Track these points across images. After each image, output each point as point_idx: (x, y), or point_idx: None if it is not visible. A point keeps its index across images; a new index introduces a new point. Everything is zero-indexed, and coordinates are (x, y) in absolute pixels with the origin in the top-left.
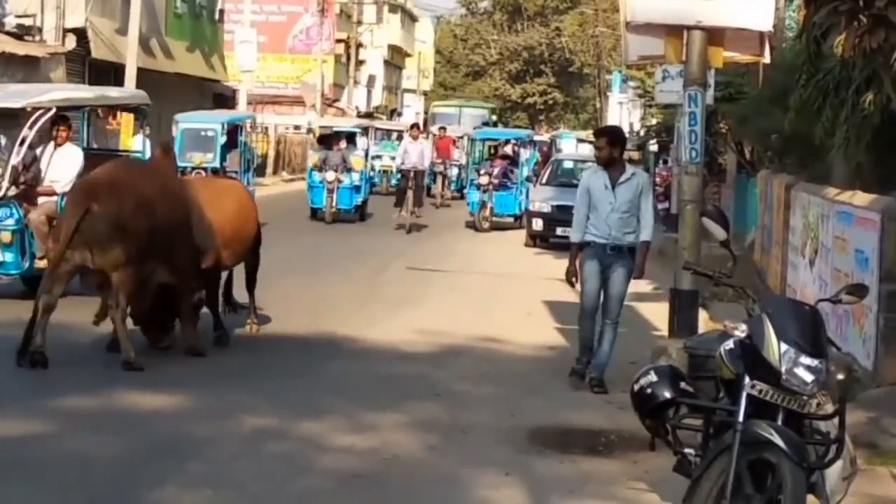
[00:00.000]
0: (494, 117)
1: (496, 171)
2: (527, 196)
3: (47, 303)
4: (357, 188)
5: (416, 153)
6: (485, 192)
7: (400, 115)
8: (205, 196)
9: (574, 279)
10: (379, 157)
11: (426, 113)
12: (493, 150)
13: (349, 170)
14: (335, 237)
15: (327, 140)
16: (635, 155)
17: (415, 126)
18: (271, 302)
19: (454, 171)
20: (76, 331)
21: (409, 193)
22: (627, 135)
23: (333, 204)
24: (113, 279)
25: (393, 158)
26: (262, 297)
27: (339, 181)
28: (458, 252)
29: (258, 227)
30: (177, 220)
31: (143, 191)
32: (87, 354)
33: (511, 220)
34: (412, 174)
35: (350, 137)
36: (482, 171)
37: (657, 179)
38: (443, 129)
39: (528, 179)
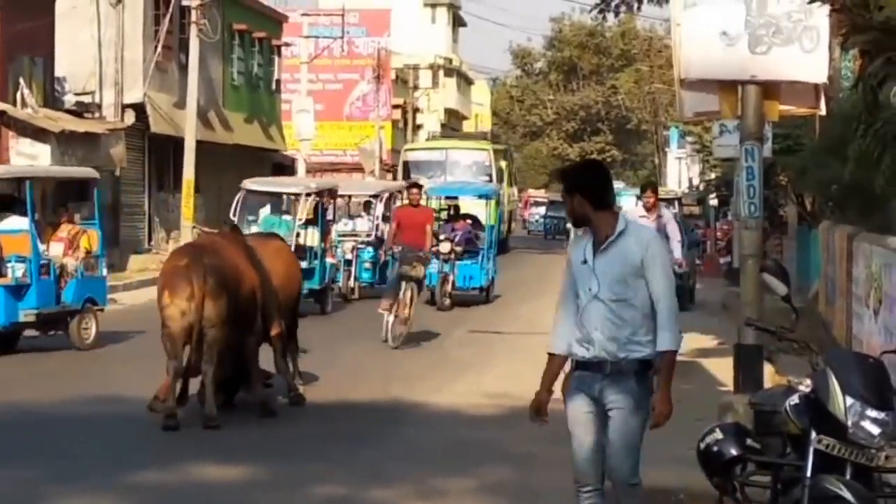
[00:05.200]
0: (504, 163)
1: (458, 235)
2: (494, 266)
3: (176, 367)
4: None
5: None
6: (445, 261)
7: None
8: (262, 257)
9: (542, 414)
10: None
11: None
12: (452, 210)
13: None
14: None
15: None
16: (696, 210)
17: (415, 186)
18: (337, 370)
19: (434, 268)
20: (140, 402)
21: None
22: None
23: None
24: (209, 336)
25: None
26: (327, 366)
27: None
28: (521, 316)
29: (299, 291)
30: (254, 286)
31: (234, 255)
32: (155, 427)
33: (477, 293)
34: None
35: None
36: (442, 237)
37: (718, 234)
38: (415, 186)
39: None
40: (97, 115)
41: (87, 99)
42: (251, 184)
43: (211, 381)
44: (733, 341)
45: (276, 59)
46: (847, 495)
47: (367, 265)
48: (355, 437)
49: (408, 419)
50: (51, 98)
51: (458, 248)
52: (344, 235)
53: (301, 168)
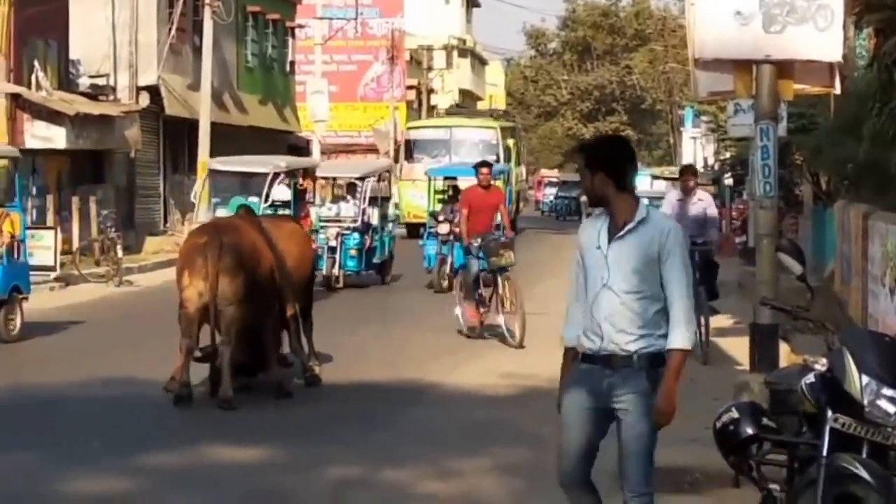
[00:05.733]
0: (511, 141)
1: (458, 217)
2: None
3: (189, 345)
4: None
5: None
6: (444, 243)
7: None
8: (276, 240)
9: None
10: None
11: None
12: (451, 191)
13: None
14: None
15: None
16: (711, 189)
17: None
18: (350, 351)
19: (433, 250)
20: (156, 384)
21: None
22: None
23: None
24: (226, 314)
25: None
26: (343, 347)
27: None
28: (535, 296)
29: (313, 271)
30: (272, 266)
31: (253, 236)
32: (169, 409)
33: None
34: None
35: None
36: (441, 218)
37: (734, 213)
38: (485, 165)
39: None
40: (112, 97)
41: (101, 81)
42: (216, 163)
43: (228, 362)
44: (749, 320)
45: (290, 40)
46: (863, 474)
47: (353, 252)
48: (369, 417)
49: (421, 400)
50: (65, 81)
51: (458, 230)
52: (327, 221)
53: (316, 149)
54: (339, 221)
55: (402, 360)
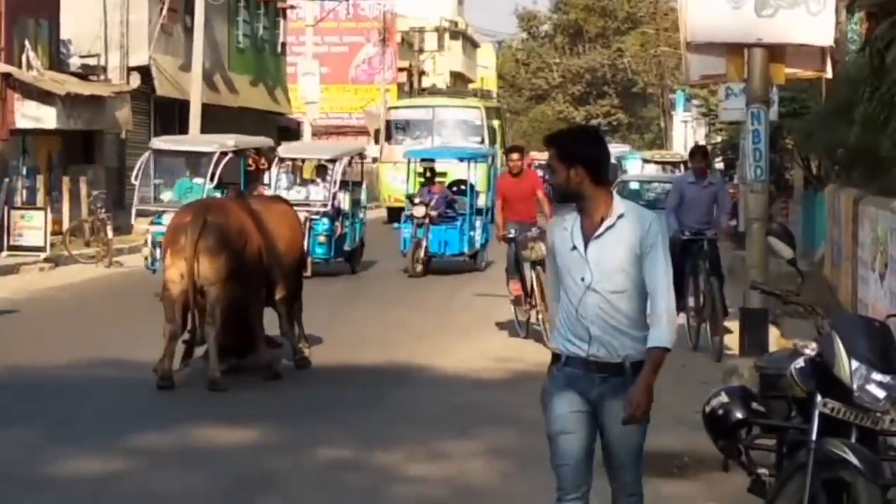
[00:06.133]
0: (497, 122)
1: (434, 199)
2: (484, 230)
3: (173, 331)
4: None
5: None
6: (419, 226)
7: None
8: (266, 221)
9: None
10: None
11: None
12: (429, 174)
13: None
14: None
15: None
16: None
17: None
18: (342, 333)
19: (407, 232)
20: (146, 366)
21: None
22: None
23: None
24: (210, 294)
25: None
26: (333, 328)
27: None
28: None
29: (303, 251)
30: (260, 247)
31: (241, 216)
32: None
33: (463, 259)
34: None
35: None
36: (416, 201)
37: None
38: (515, 150)
39: (478, 212)
40: (102, 77)
41: (92, 61)
42: (159, 142)
43: (214, 343)
44: (739, 305)
45: (282, 21)
46: (852, 458)
47: (322, 239)
48: (359, 399)
49: (412, 382)
50: (56, 60)
51: (434, 213)
52: (296, 205)
53: (307, 131)
54: (308, 206)
55: (394, 342)
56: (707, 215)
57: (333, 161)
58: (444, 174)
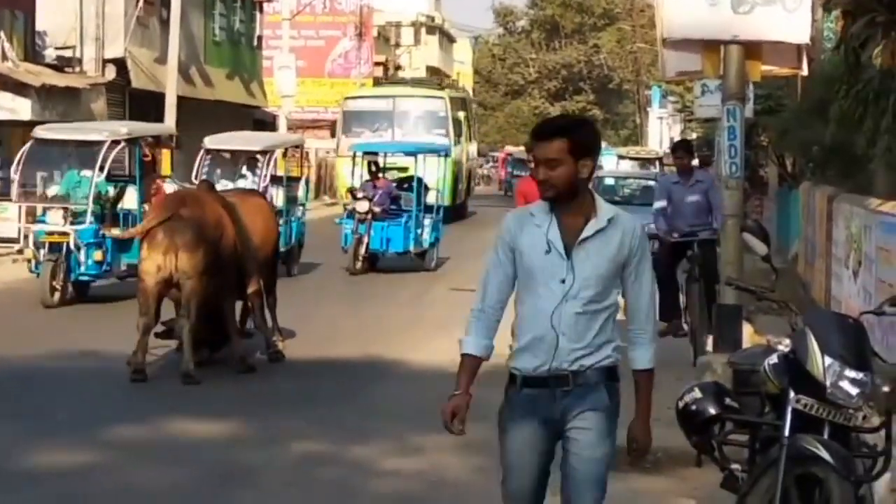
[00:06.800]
0: (462, 114)
1: (378, 194)
2: (434, 229)
3: (146, 324)
4: None
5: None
6: (361, 222)
7: None
8: (241, 214)
9: (459, 421)
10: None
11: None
12: (373, 168)
13: None
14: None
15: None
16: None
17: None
18: (316, 327)
19: (349, 229)
20: (121, 358)
21: None
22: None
23: None
24: (185, 288)
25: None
26: (308, 323)
27: None
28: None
29: (277, 246)
30: (232, 242)
31: (216, 209)
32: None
33: (413, 256)
34: None
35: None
36: (359, 195)
37: None
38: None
39: (428, 209)
40: (78, 69)
41: (67, 53)
42: (42, 131)
43: (188, 336)
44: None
45: (258, 14)
46: (824, 455)
47: None
48: (334, 393)
49: (386, 376)
50: (31, 52)
51: (377, 209)
52: None
53: (283, 125)
54: None
55: (368, 336)
56: (698, 217)
57: (264, 153)
58: (405, 169)
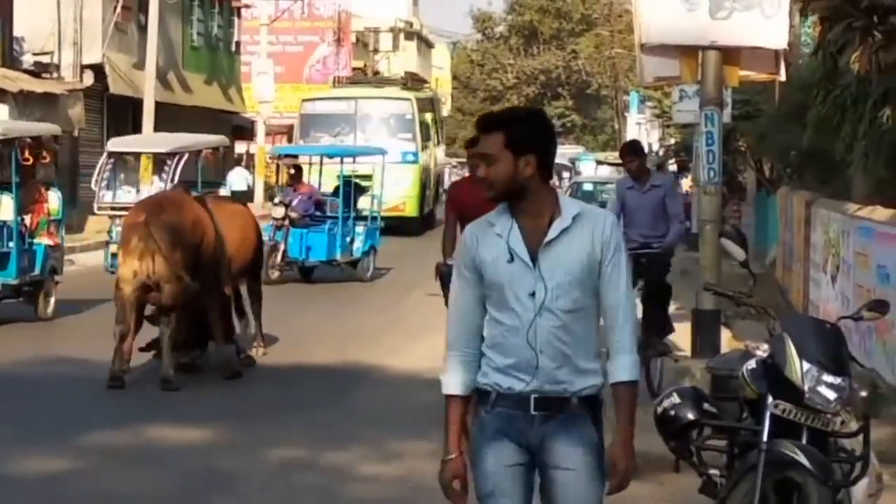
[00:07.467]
0: (429, 115)
1: (297, 200)
2: (370, 236)
3: (122, 332)
4: None
5: None
6: (278, 228)
7: None
8: (217, 219)
9: (461, 487)
10: None
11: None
12: (293, 171)
13: None
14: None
15: None
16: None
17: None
18: (295, 334)
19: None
20: (103, 365)
21: None
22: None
23: None
24: (164, 292)
25: None
26: (287, 329)
27: None
28: None
29: (259, 252)
30: (212, 244)
31: (195, 212)
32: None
33: (341, 266)
34: None
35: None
36: (276, 201)
37: None
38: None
39: (360, 217)
40: (56, 75)
41: (45, 59)
42: None
43: (168, 341)
44: (691, 306)
45: (236, 20)
46: (802, 460)
47: None
48: (313, 399)
49: (365, 382)
50: (9, 58)
51: (294, 214)
52: (124, 209)
53: (261, 130)
54: None
55: (347, 342)
56: (653, 227)
57: (173, 155)
58: (368, 177)
